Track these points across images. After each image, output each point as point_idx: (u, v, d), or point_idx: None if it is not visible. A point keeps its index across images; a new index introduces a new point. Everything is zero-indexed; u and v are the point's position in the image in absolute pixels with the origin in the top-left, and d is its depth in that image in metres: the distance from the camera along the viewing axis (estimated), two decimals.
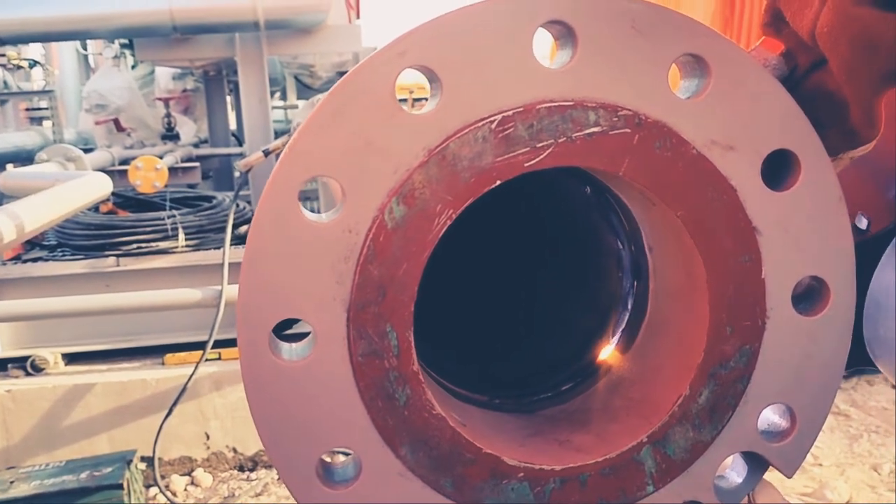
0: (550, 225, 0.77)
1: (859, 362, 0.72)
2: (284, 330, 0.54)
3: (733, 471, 0.62)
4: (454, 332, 0.75)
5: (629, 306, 0.69)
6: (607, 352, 0.69)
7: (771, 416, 0.60)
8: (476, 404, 0.69)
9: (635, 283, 0.68)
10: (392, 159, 0.51)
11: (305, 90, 8.29)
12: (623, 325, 0.69)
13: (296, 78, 7.71)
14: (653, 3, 0.53)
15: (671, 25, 0.53)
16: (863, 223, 0.69)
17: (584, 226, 0.73)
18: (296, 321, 0.53)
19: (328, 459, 0.55)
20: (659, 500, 0.58)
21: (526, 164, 0.53)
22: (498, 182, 0.53)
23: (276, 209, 0.51)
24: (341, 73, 6.12)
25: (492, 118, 0.52)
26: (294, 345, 0.54)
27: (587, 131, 0.53)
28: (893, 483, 3.16)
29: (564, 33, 0.53)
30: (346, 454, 0.55)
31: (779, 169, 0.56)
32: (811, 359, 0.58)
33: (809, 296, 0.58)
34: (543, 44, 0.56)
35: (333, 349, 0.52)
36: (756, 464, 0.61)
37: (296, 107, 7.98)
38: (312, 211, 0.53)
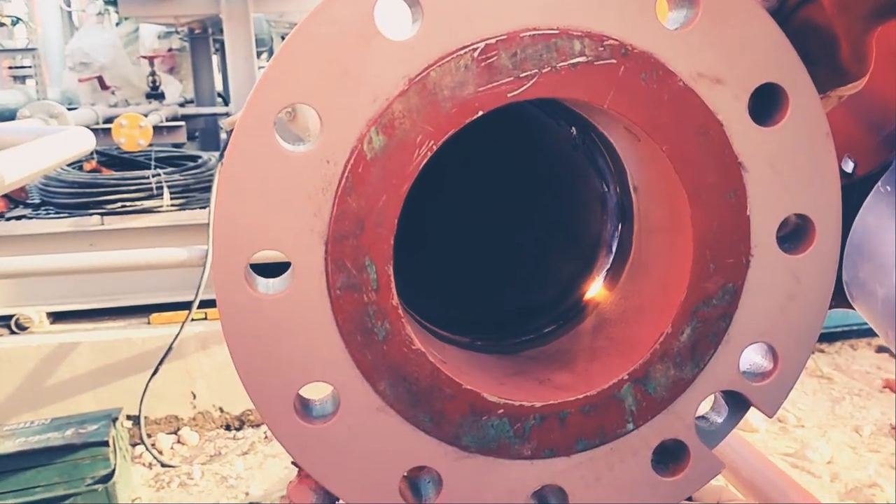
0: (535, 166, 0.76)
1: (839, 303, 0.72)
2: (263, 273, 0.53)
3: (714, 411, 0.62)
4: (435, 273, 0.74)
5: (613, 248, 0.68)
6: (591, 292, 0.69)
7: (753, 356, 0.59)
8: (457, 345, 0.68)
9: (620, 225, 0.67)
10: (371, 87, 0.50)
11: None
12: (607, 267, 0.68)
13: (283, 38, 7.61)
14: None
15: None
16: (849, 166, 0.69)
17: (569, 167, 0.72)
18: (274, 267, 0.52)
19: (306, 395, 0.55)
20: (639, 437, 0.58)
21: (509, 95, 0.52)
22: (480, 113, 0.51)
23: (251, 138, 0.50)
24: None
25: (474, 46, 0.51)
26: (271, 280, 0.53)
27: (572, 61, 0.52)
28: (874, 444, 3.21)
29: None
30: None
31: (767, 103, 0.55)
32: (795, 298, 0.58)
33: (794, 234, 0.58)
34: None
35: (311, 282, 0.52)
36: (737, 403, 0.60)
37: None
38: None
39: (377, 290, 0.52)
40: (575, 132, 0.69)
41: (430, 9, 0.50)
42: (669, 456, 0.59)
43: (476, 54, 0.51)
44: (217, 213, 0.51)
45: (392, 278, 0.52)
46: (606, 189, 0.69)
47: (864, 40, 0.55)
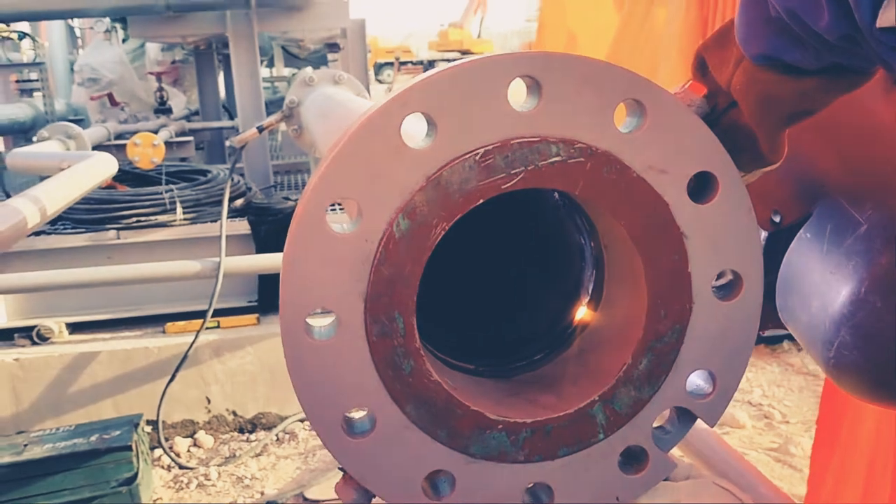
0: (528, 225, 0.92)
1: (773, 325, 0.89)
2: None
3: (668, 423, 0.78)
4: (449, 313, 0.90)
5: (589, 291, 0.85)
6: (571, 327, 0.85)
7: (696, 380, 0.76)
8: (464, 371, 0.84)
9: (594, 273, 0.84)
10: (398, 185, 0.66)
11: (293, 60, 8.35)
12: (584, 307, 0.84)
13: (283, 48, 7.78)
14: (601, 60, 0.67)
15: (614, 77, 0.68)
16: (777, 217, 0.85)
17: (555, 225, 0.88)
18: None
19: (350, 416, 0.71)
20: (608, 445, 0.74)
21: (503, 187, 0.68)
22: (481, 201, 0.68)
23: (308, 224, 0.66)
24: (329, 45, 6.21)
25: (476, 151, 0.67)
26: (323, 328, 0.69)
27: (550, 160, 0.68)
28: None
29: (533, 84, 0.68)
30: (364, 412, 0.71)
31: (701, 187, 0.72)
32: (727, 334, 0.74)
33: (727, 284, 0.74)
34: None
35: (353, 331, 0.68)
36: (686, 416, 0.77)
37: (283, 77, 8.04)
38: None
39: (404, 336, 0.68)
40: (558, 197, 0.85)
41: (443, 125, 0.66)
42: (633, 458, 0.76)
43: (477, 158, 0.67)
44: (283, 278, 0.67)
45: (415, 327, 0.69)
46: (584, 242, 0.85)
47: (777, 136, 0.71)
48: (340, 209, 0.79)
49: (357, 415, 0.72)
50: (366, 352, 0.68)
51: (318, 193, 0.66)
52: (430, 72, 0.67)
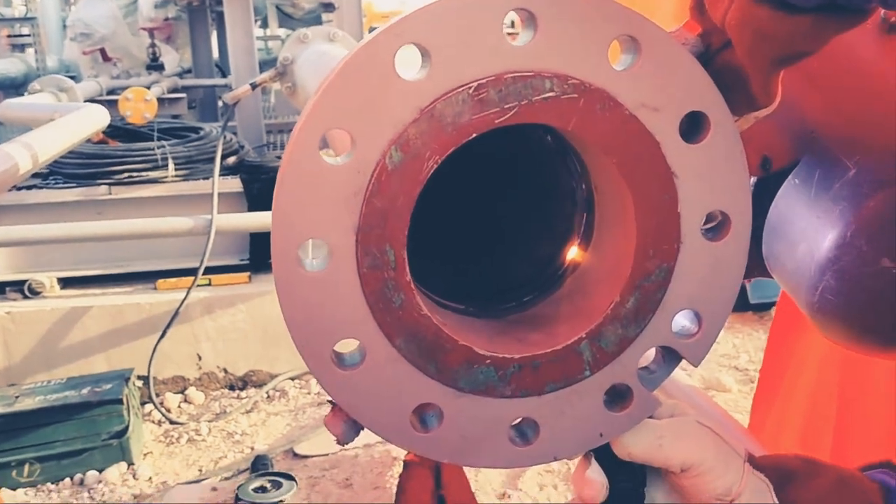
0: (520, 167, 0.93)
1: (759, 274, 0.90)
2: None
3: (654, 363, 0.79)
4: (441, 254, 0.91)
5: (580, 234, 0.85)
6: (561, 269, 0.86)
7: (682, 320, 0.77)
8: (456, 311, 0.85)
9: (585, 216, 0.84)
10: (392, 116, 0.66)
11: (287, 19, 8.26)
12: (575, 249, 0.85)
13: (277, 7, 7.69)
14: None
15: (609, 12, 0.68)
16: (767, 162, 0.86)
17: (547, 167, 0.88)
18: None
19: (340, 350, 0.72)
20: (594, 382, 0.75)
21: (496, 121, 0.68)
22: (474, 134, 0.68)
23: (300, 154, 0.66)
24: (324, 5, 6.14)
25: (470, 85, 0.67)
26: (315, 260, 0.69)
27: (544, 95, 0.68)
28: None
29: (528, 17, 0.67)
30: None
31: (694, 126, 0.72)
32: (715, 275, 0.75)
33: (715, 225, 0.75)
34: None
35: (345, 263, 0.68)
36: (671, 356, 0.78)
37: (277, 37, 7.96)
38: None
39: (395, 269, 0.69)
40: (551, 139, 0.85)
41: (437, 57, 0.66)
42: (618, 396, 0.77)
43: (471, 91, 0.67)
44: (275, 209, 0.67)
45: (406, 260, 0.69)
46: (575, 185, 0.85)
47: (769, 79, 0.71)
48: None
49: (347, 347, 0.72)
50: (356, 284, 0.69)
51: (311, 122, 0.66)
52: (426, 3, 0.67)
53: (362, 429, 0.75)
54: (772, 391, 1.80)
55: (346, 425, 0.75)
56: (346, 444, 0.76)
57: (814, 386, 1.59)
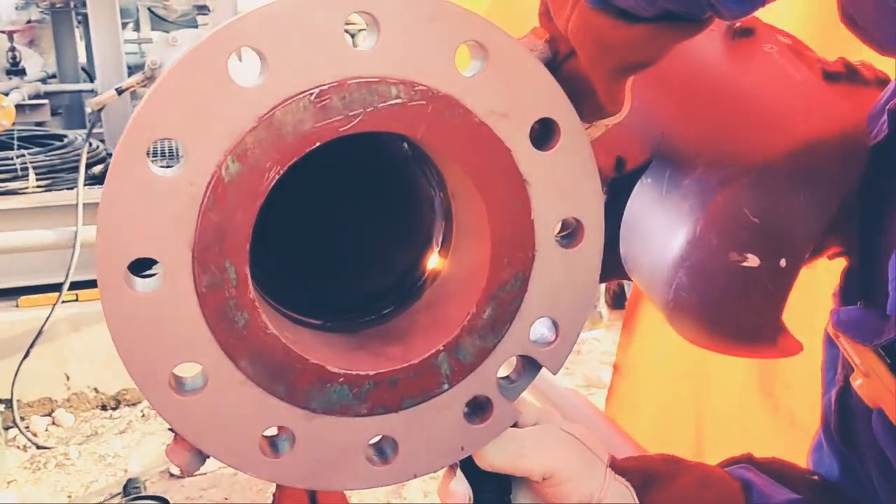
0: (374, 174, 0.90)
1: (618, 276, 0.90)
2: (140, 271, 0.64)
3: (514, 372, 0.78)
4: (293, 267, 0.87)
5: (439, 243, 0.83)
6: (421, 280, 0.83)
7: (540, 328, 0.76)
8: (310, 327, 0.81)
9: (443, 224, 0.82)
10: (227, 124, 0.62)
11: (160, 22, 7.96)
12: (434, 259, 0.83)
13: (150, 10, 7.40)
14: None
15: (455, 17, 0.66)
16: (621, 163, 0.86)
17: (405, 176, 0.86)
18: (150, 266, 0.63)
19: (179, 374, 0.67)
20: (453, 395, 0.73)
21: (340, 129, 0.65)
22: (318, 144, 0.64)
23: (126, 165, 0.61)
24: (198, 7, 5.95)
25: (310, 91, 0.63)
26: (147, 280, 0.64)
27: (390, 102, 0.65)
28: None
29: (371, 21, 0.65)
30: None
31: (543, 133, 0.71)
32: (570, 282, 0.74)
33: (569, 232, 0.74)
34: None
35: (181, 282, 0.63)
36: (530, 365, 0.77)
37: (150, 40, 7.65)
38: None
39: (237, 286, 0.65)
40: (407, 147, 0.83)
41: (274, 62, 0.62)
42: (478, 408, 0.75)
43: (312, 98, 0.63)
44: (99, 226, 0.62)
45: (248, 277, 0.65)
46: (434, 193, 0.83)
47: (614, 87, 0.71)
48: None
49: (188, 372, 0.68)
50: (195, 304, 0.64)
51: (137, 131, 0.61)
52: (262, 5, 0.63)
53: (208, 457, 0.71)
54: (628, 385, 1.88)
55: (191, 454, 0.70)
56: (192, 473, 0.71)
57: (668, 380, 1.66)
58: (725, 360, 1.40)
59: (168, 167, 0.63)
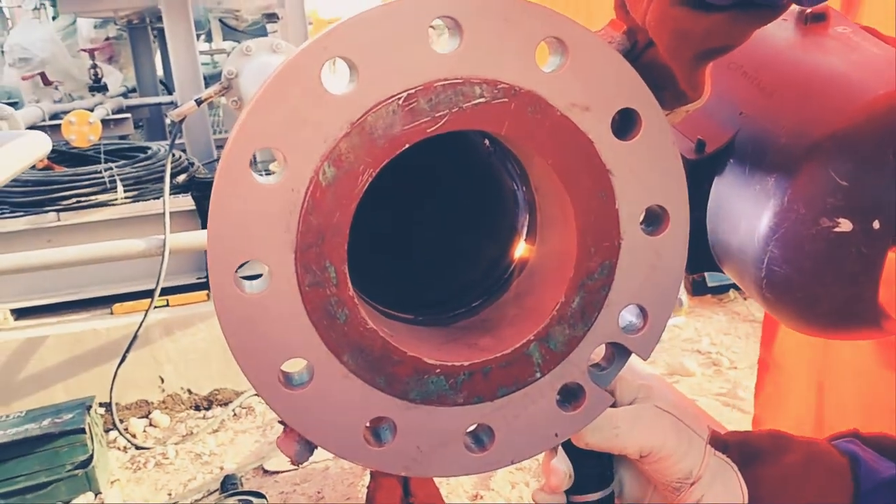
0: (459, 172, 0.92)
1: (708, 268, 0.90)
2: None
3: (604, 359, 0.79)
4: (385, 266, 0.90)
5: (524, 236, 0.85)
6: (508, 272, 0.86)
7: (628, 315, 0.77)
8: (404, 321, 0.85)
9: (527, 217, 0.84)
10: (322, 131, 0.65)
11: (231, 32, 8.17)
12: (520, 251, 0.85)
13: (220, 20, 7.60)
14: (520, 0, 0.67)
15: (534, 15, 0.68)
16: (701, 146, 0.87)
17: (486, 171, 0.88)
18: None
19: (287, 370, 0.71)
20: (545, 383, 0.75)
21: (428, 130, 0.67)
22: (407, 145, 0.67)
23: (231, 176, 0.65)
24: (268, 16, 6.09)
25: (399, 95, 0.66)
26: (254, 281, 0.68)
27: (474, 102, 0.68)
28: None
29: (453, 24, 0.67)
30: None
31: (625, 123, 0.72)
32: (657, 268, 0.75)
33: (653, 219, 0.75)
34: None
35: (285, 282, 0.67)
36: (620, 352, 0.78)
37: (223, 50, 7.87)
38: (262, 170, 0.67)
39: (337, 285, 0.68)
40: (488, 143, 0.85)
41: (364, 69, 0.65)
42: (570, 395, 0.77)
43: (401, 101, 0.66)
44: (209, 233, 0.66)
45: (347, 275, 0.68)
46: (516, 187, 0.85)
47: (694, 74, 0.72)
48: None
49: (294, 367, 0.71)
50: (298, 302, 0.68)
51: (240, 142, 0.65)
52: (349, 16, 0.66)
53: (316, 447, 0.75)
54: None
55: (300, 445, 0.74)
56: (301, 464, 0.75)
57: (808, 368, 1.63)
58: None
59: (268, 173, 0.67)
